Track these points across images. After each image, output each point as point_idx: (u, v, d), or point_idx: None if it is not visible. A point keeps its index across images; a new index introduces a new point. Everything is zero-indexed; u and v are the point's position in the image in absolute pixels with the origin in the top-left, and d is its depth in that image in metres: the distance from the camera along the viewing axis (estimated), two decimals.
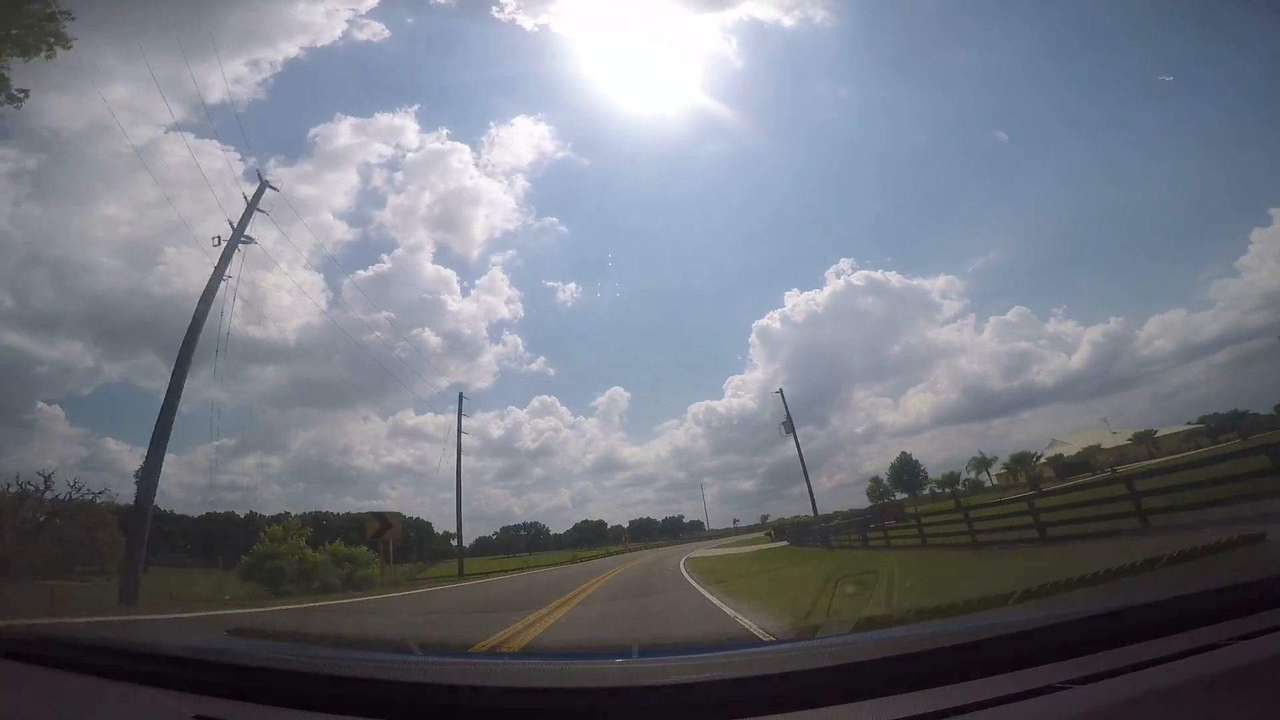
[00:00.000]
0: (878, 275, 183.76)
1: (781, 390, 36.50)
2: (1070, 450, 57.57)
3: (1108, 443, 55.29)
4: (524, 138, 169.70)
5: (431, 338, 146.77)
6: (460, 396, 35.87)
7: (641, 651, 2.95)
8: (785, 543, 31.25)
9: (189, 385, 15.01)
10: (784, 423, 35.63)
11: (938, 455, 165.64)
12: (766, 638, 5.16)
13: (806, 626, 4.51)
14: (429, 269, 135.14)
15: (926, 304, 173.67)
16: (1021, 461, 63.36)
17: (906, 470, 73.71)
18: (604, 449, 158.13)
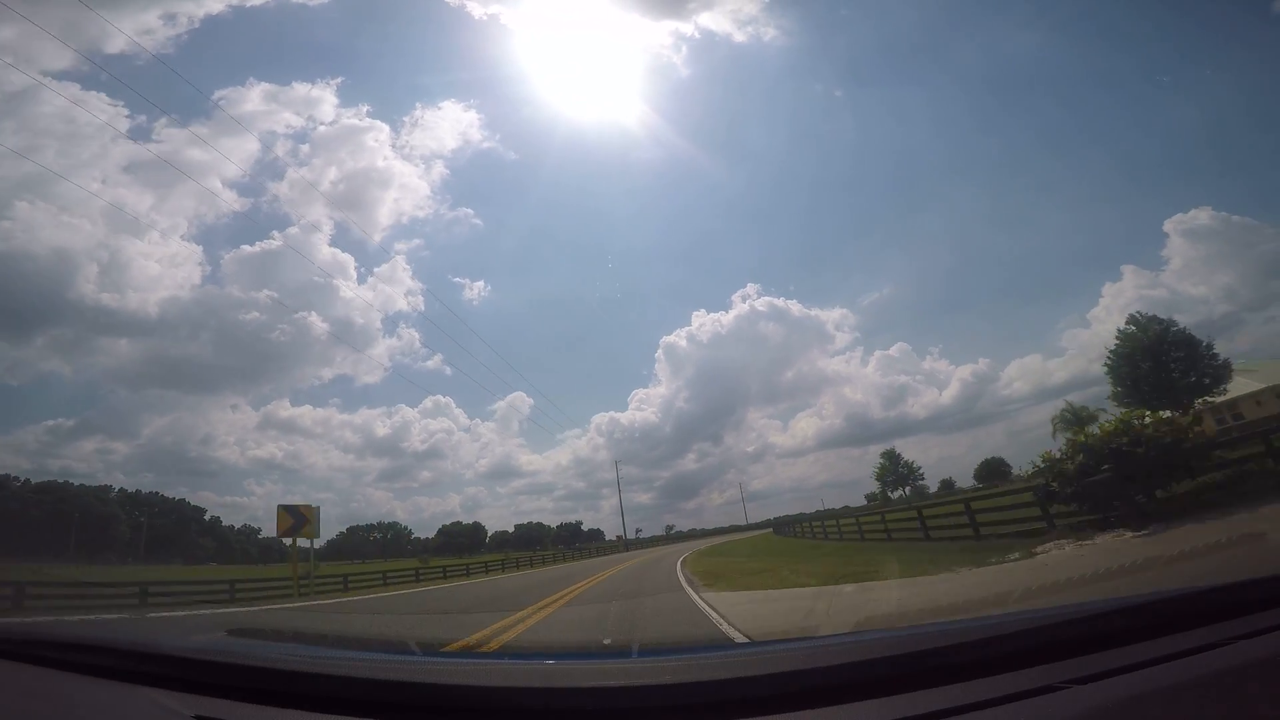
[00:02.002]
0: (780, 303, 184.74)
1: (617, 464, 38.88)
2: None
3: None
4: (450, 123, 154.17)
5: (318, 324, 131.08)
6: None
7: (641, 651, 2.95)
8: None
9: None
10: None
11: (819, 477, 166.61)
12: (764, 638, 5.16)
13: (806, 626, 4.51)
14: (324, 251, 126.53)
15: (821, 334, 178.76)
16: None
17: (893, 469, 73.66)
18: (501, 455, 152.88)
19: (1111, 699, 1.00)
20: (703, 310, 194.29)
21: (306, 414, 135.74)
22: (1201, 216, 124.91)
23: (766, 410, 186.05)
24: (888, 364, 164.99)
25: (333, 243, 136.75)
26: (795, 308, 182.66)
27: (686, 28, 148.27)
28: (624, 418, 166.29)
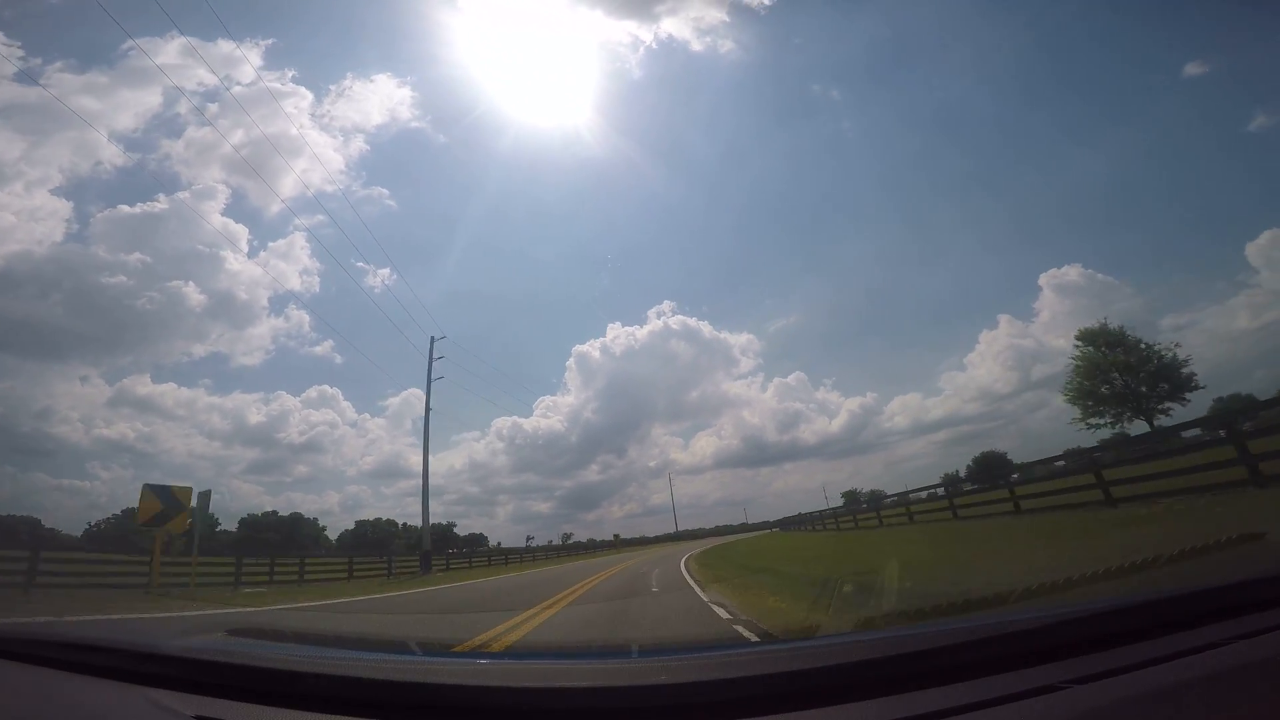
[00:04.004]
0: (693, 322, 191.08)
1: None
2: None
3: None
4: (381, 98, 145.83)
5: (194, 295, 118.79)
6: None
7: (641, 651, 2.95)
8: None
9: None
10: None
11: (714, 494, 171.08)
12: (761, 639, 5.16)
13: (806, 626, 4.51)
14: (215, 219, 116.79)
15: (728, 357, 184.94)
16: None
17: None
18: (389, 453, 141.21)
19: (1111, 699, 1.00)
20: (618, 323, 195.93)
21: (169, 393, 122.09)
22: (1072, 273, 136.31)
23: (671, 427, 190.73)
24: (785, 391, 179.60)
25: (226, 211, 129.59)
26: (707, 329, 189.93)
27: (647, 30, 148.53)
28: (528, 424, 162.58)
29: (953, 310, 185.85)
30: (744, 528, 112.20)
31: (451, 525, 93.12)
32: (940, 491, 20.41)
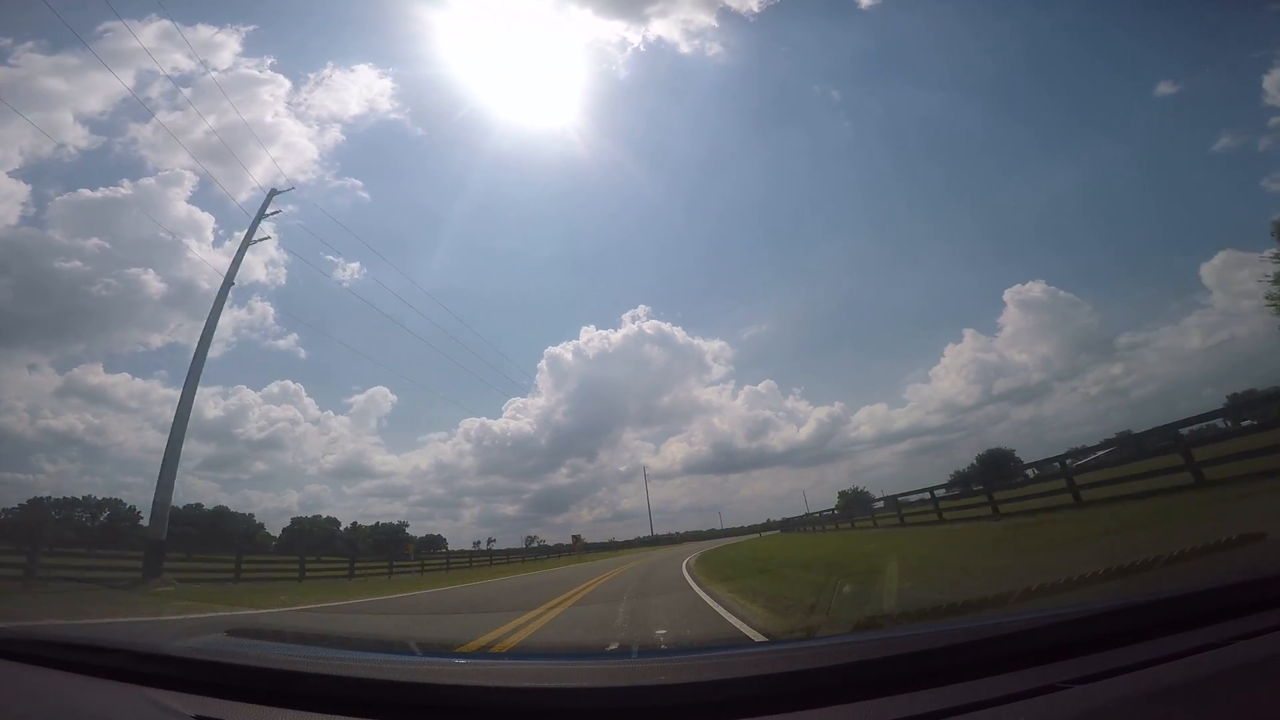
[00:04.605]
0: (667, 328, 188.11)
1: None
2: None
3: None
4: (359, 88, 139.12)
5: (153, 283, 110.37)
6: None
7: (641, 652, 2.95)
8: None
9: None
10: None
11: (683, 500, 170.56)
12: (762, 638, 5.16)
13: (806, 626, 4.51)
14: (180, 206, 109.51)
15: (700, 363, 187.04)
16: None
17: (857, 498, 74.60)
18: (352, 452, 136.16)
19: (1111, 699, 1.00)
20: (592, 326, 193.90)
21: (123, 384, 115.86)
22: (1036, 289, 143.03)
23: (642, 432, 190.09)
24: (755, 399, 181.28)
25: (192, 199, 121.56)
26: (680, 334, 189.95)
27: (637, 30, 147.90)
28: (497, 425, 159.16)
29: (920, 323, 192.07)
30: (714, 534, 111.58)
31: (404, 525, 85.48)
32: (930, 495, 20.16)
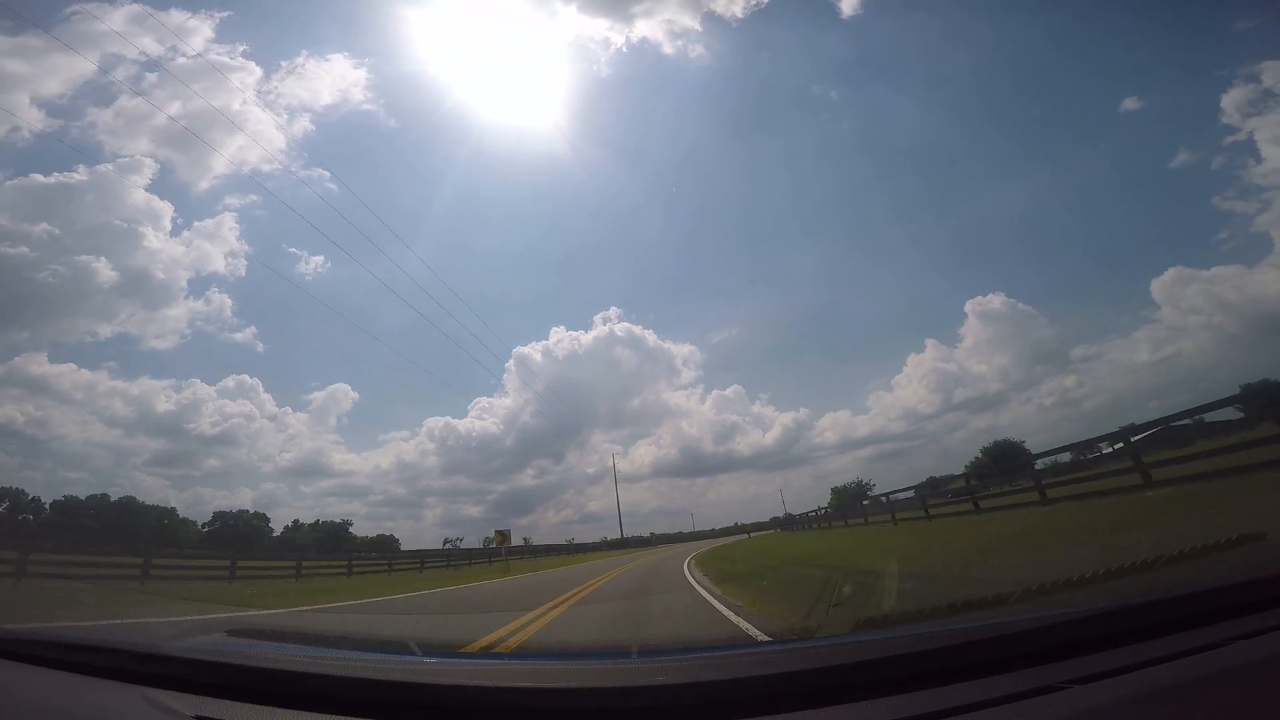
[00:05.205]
0: (638, 330, 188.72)
1: None
2: None
3: None
4: (334, 78, 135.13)
5: (105, 270, 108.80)
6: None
7: (641, 652, 2.95)
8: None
9: None
10: None
11: (651, 503, 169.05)
12: (763, 638, 5.15)
13: (806, 626, 4.51)
14: (138, 194, 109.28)
15: (670, 367, 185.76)
16: None
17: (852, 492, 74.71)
18: (310, 450, 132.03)
19: (1111, 699, 1.00)
20: (562, 327, 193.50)
21: (67, 375, 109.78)
22: (995, 301, 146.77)
23: (611, 434, 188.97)
24: (723, 403, 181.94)
25: (152, 187, 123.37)
26: (651, 338, 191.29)
27: (621, 29, 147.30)
28: (462, 425, 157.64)
29: (884, 332, 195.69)
30: (681, 537, 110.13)
31: (346, 524, 79.08)
32: (967, 484, 19.73)
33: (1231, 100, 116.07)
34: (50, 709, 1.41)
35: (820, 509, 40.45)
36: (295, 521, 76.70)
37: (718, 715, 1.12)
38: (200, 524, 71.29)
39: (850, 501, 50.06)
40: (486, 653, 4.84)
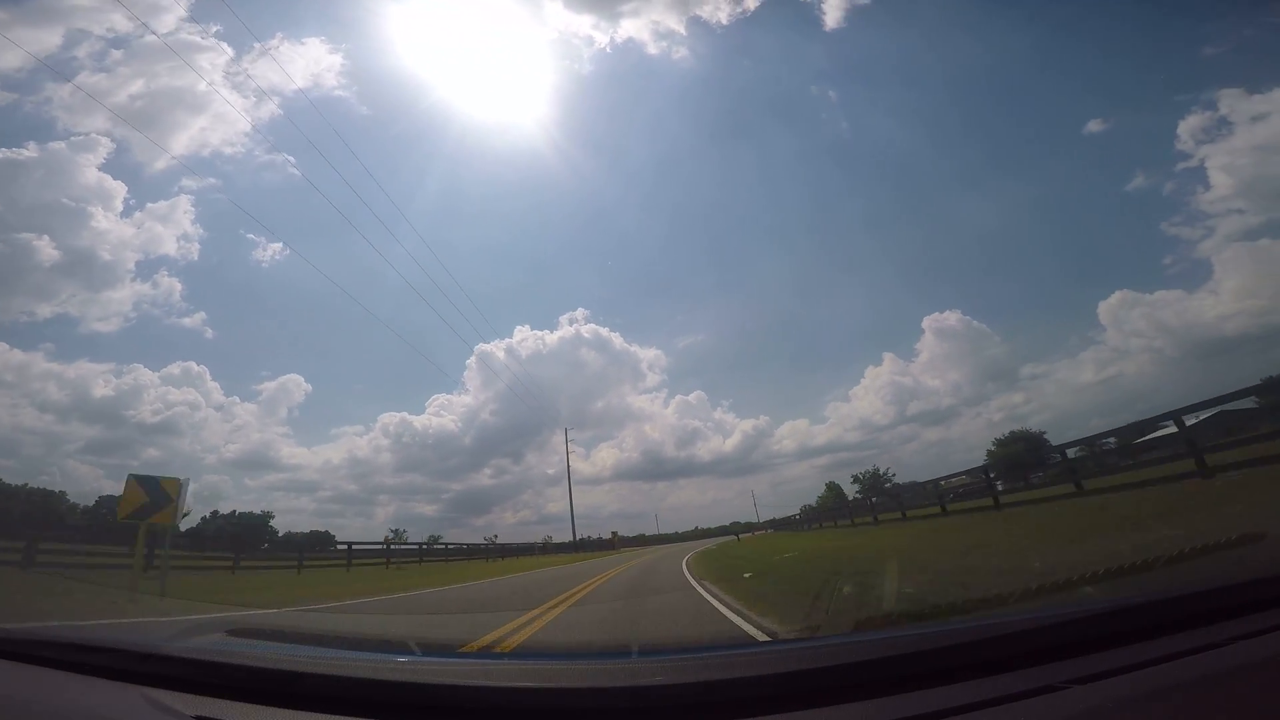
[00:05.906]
0: (605, 333, 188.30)
1: None
2: None
3: None
4: (307, 61, 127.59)
5: (46, 249, 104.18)
6: None
7: (641, 652, 2.95)
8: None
9: None
10: None
11: (611, 506, 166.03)
12: (764, 638, 5.15)
13: (806, 626, 4.51)
14: (90, 173, 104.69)
15: (635, 370, 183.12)
16: None
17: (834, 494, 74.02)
18: (257, 442, 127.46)
19: (1111, 699, 1.00)
20: (527, 326, 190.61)
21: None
22: (952, 318, 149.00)
23: (573, 436, 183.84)
24: (686, 408, 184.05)
25: (105, 166, 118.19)
26: (618, 340, 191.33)
27: (606, 27, 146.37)
28: (419, 421, 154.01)
29: (844, 345, 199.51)
30: (643, 539, 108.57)
31: (268, 516, 69.04)
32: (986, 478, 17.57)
33: (1188, 126, 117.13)
34: (50, 709, 1.41)
35: (854, 498, 38.18)
36: (213, 512, 67.01)
37: (718, 715, 1.12)
38: (79, 507, 59.06)
39: (873, 490, 48.11)
40: (487, 652, 4.84)
